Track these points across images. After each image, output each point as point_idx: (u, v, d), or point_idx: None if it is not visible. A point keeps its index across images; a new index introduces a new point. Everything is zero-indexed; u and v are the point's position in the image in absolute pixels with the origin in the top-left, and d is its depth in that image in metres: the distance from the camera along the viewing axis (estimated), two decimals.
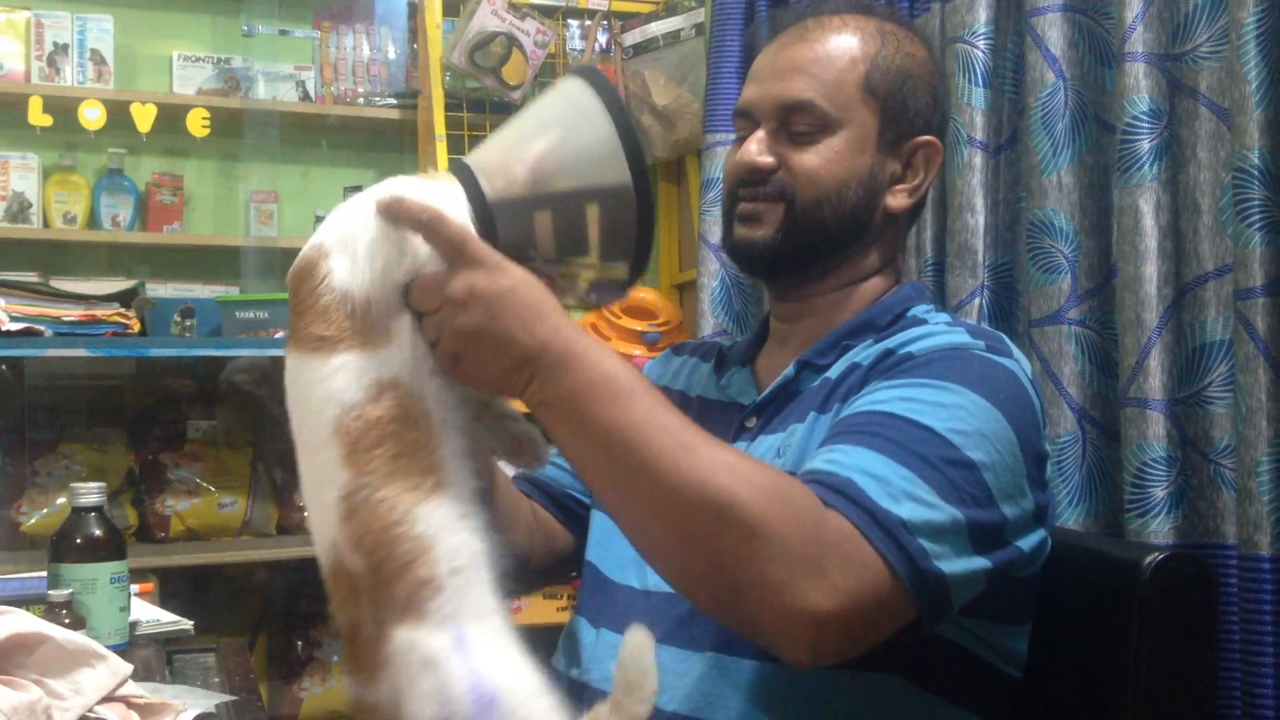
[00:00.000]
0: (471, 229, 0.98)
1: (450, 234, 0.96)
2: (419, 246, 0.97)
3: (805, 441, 1.12)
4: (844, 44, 1.21)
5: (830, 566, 0.91)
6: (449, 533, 0.92)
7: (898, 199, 1.23)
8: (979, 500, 0.99)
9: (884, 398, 1.04)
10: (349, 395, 0.93)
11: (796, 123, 1.19)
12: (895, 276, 1.28)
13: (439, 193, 1.00)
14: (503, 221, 1.01)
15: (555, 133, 1.03)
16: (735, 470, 0.93)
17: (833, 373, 1.17)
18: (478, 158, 1.05)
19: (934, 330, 1.14)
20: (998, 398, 1.05)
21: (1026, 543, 1.06)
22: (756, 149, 1.20)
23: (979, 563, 0.99)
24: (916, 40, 1.26)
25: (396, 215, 0.97)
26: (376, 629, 0.90)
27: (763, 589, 0.91)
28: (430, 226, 0.96)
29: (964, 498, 0.98)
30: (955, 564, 0.96)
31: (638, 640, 0.93)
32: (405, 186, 1.00)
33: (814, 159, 1.19)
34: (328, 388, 0.94)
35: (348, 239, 0.98)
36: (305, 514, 2.85)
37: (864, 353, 1.16)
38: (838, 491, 0.95)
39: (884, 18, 1.26)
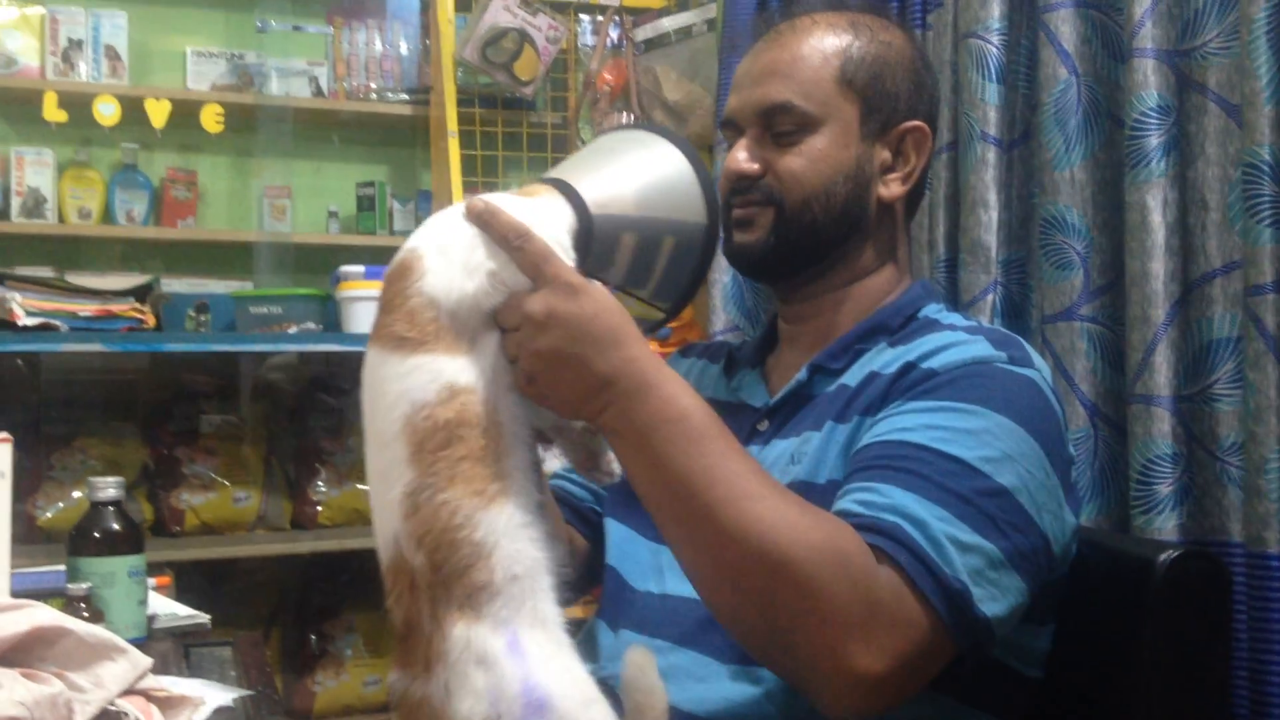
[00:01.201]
0: (556, 250, 0.99)
1: (535, 251, 0.98)
2: (511, 267, 0.99)
3: (822, 451, 1.13)
4: (815, 42, 1.22)
5: (879, 628, 0.93)
6: (509, 540, 0.93)
7: (890, 188, 1.24)
8: (1017, 526, 1.01)
9: (910, 425, 1.05)
10: (421, 395, 0.95)
11: (778, 125, 1.20)
12: (902, 271, 1.28)
13: (538, 206, 1.03)
14: (597, 236, 1.05)
15: (642, 168, 1.08)
16: (795, 527, 0.94)
17: (849, 379, 1.17)
18: (569, 178, 1.07)
19: (954, 340, 1.13)
20: (1023, 415, 1.05)
21: (1060, 549, 1.08)
22: (743, 156, 1.21)
23: (1020, 590, 1.01)
24: (892, 28, 1.26)
25: (487, 224, 0.99)
26: (433, 625, 0.91)
27: (811, 649, 0.93)
28: (517, 242, 0.98)
29: (1002, 528, 1.00)
30: (998, 604, 0.99)
31: (638, 661, 0.95)
32: (504, 200, 1.02)
33: (797, 160, 1.20)
34: (402, 385, 0.96)
35: (446, 248, 1.00)
36: (321, 509, 2.88)
37: (880, 358, 1.17)
38: (884, 536, 0.96)
39: (857, 10, 1.26)
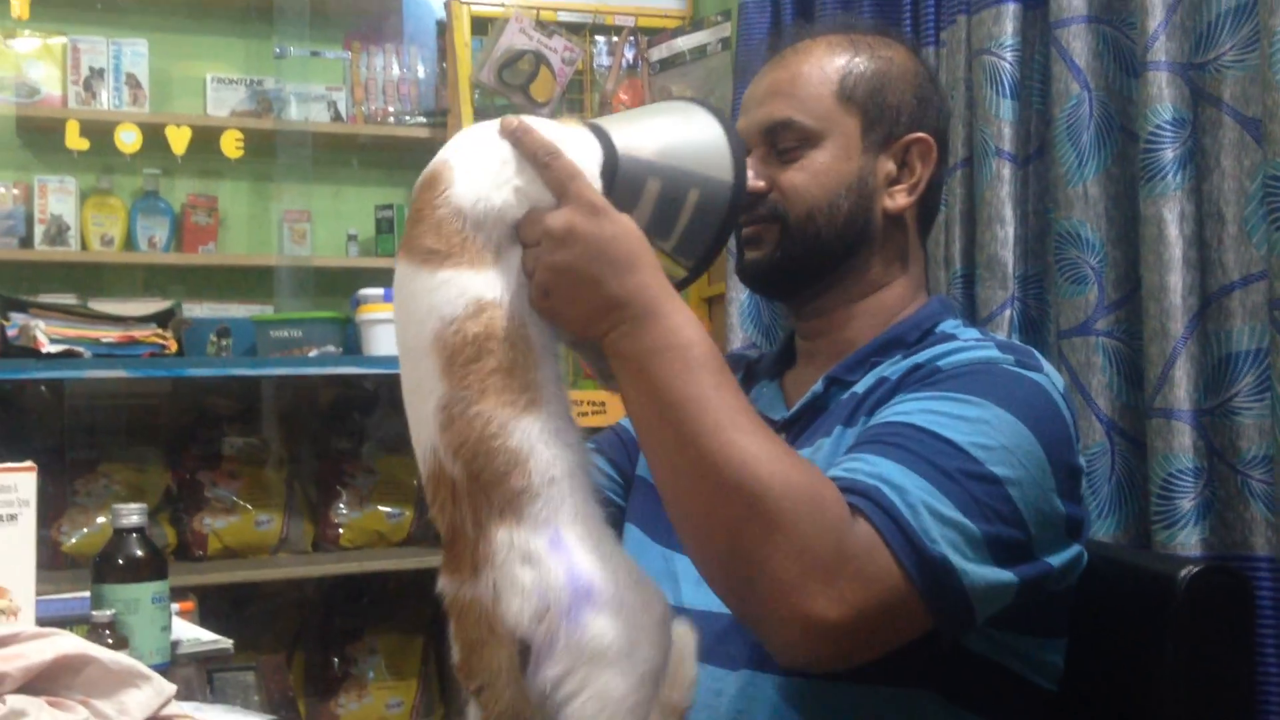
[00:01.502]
0: (585, 172, 1.01)
1: (563, 168, 1.00)
2: (537, 182, 1.00)
3: (831, 455, 1.13)
4: (816, 60, 1.24)
5: (844, 576, 0.93)
6: (543, 446, 0.96)
7: (896, 200, 1.24)
8: (1001, 516, 1.00)
9: (908, 409, 1.05)
10: (449, 310, 0.97)
11: (781, 142, 1.22)
12: (918, 285, 1.29)
13: (570, 134, 1.05)
14: (622, 176, 1.06)
15: (675, 124, 1.11)
16: (776, 463, 0.95)
17: (860, 387, 1.18)
18: (603, 123, 1.10)
19: (963, 345, 1.14)
20: (1024, 412, 1.05)
21: (1058, 559, 1.06)
22: (750, 175, 1.21)
23: (1003, 575, 0.99)
24: (892, 44, 1.27)
25: (519, 140, 1.01)
26: (476, 530, 0.94)
27: (772, 585, 0.93)
28: (545, 159, 1.00)
29: (985, 513, 0.99)
30: (978, 582, 0.97)
31: (681, 632, 0.97)
32: (539, 122, 1.04)
33: (800, 175, 1.21)
34: (431, 300, 0.98)
35: (474, 160, 1.02)
36: (343, 531, 2.89)
37: (892, 368, 1.17)
38: (862, 496, 0.96)
39: (858, 29, 1.28)
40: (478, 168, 1.01)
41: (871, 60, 1.24)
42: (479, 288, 0.98)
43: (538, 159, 1.00)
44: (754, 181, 1.21)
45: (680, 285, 1.14)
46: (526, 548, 0.92)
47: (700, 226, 1.11)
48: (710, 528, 0.97)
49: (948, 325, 1.23)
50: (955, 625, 0.99)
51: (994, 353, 1.12)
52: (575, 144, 1.05)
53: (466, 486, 0.94)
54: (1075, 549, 1.09)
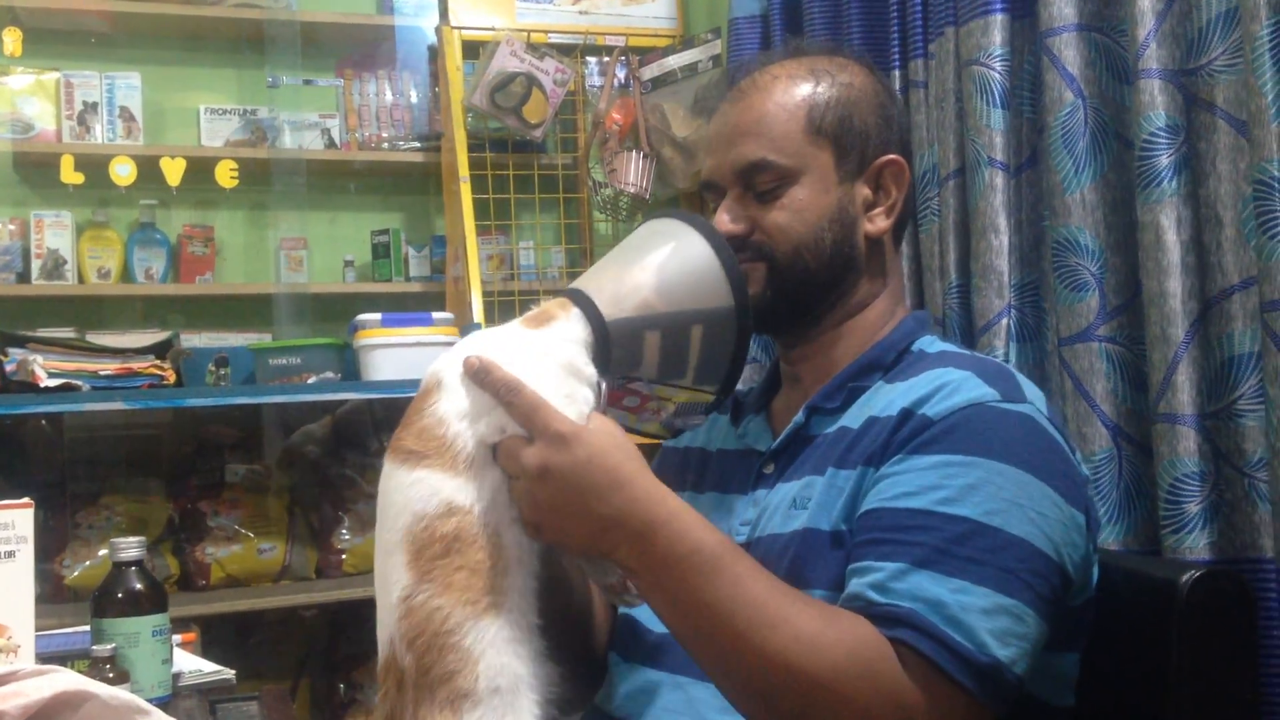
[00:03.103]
0: (546, 400, 1.02)
1: (525, 403, 1.01)
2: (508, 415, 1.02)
3: (826, 497, 1.13)
4: (780, 96, 1.23)
5: None
6: (495, 652, 0.96)
7: (875, 223, 1.25)
8: (1036, 571, 1.02)
9: (911, 487, 1.05)
10: (421, 506, 1.00)
11: (758, 183, 1.22)
12: (897, 298, 1.29)
13: (548, 336, 1.06)
14: (616, 341, 1.08)
15: (661, 261, 1.10)
16: (819, 647, 0.97)
17: (849, 420, 1.17)
18: (589, 284, 1.10)
19: (947, 381, 1.12)
20: (1022, 458, 1.06)
21: (1085, 576, 1.09)
22: (728, 218, 1.22)
23: (1044, 631, 1.02)
24: (851, 67, 1.27)
25: (481, 382, 1.03)
26: None
27: None
28: (508, 398, 1.01)
29: (1023, 578, 1.01)
30: (1026, 658, 1.00)
31: None
32: (508, 337, 1.06)
33: (782, 214, 1.21)
34: (405, 495, 1.01)
35: (460, 380, 1.04)
36: (345, 556, 2.88)
37: (877, 400, 1.17)
38: (904, 625, 0.98)
39: (815, 54, 1.27)
40: (462, 388, 1.04)
41: (833, 87, 1.23)
42: (451, 491, 1.00)
43: (500, 398, 1.02)
44: (733, 225, 1.22)
45: (709, 409, 1.18)
46: None
47: (713, 355, 1.12)
48: (774, 715, 1.00)
49: (923, 343, 1.24)
50: (1009, 705, 1.01)
51: (978, 390, 1.11)
52: (555, 340, 1.06)
53: (414, 678, 0.96)
54: (1092, 557, 1.11)
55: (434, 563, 0.98)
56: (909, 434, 1.09)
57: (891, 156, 1.25)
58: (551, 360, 1.04)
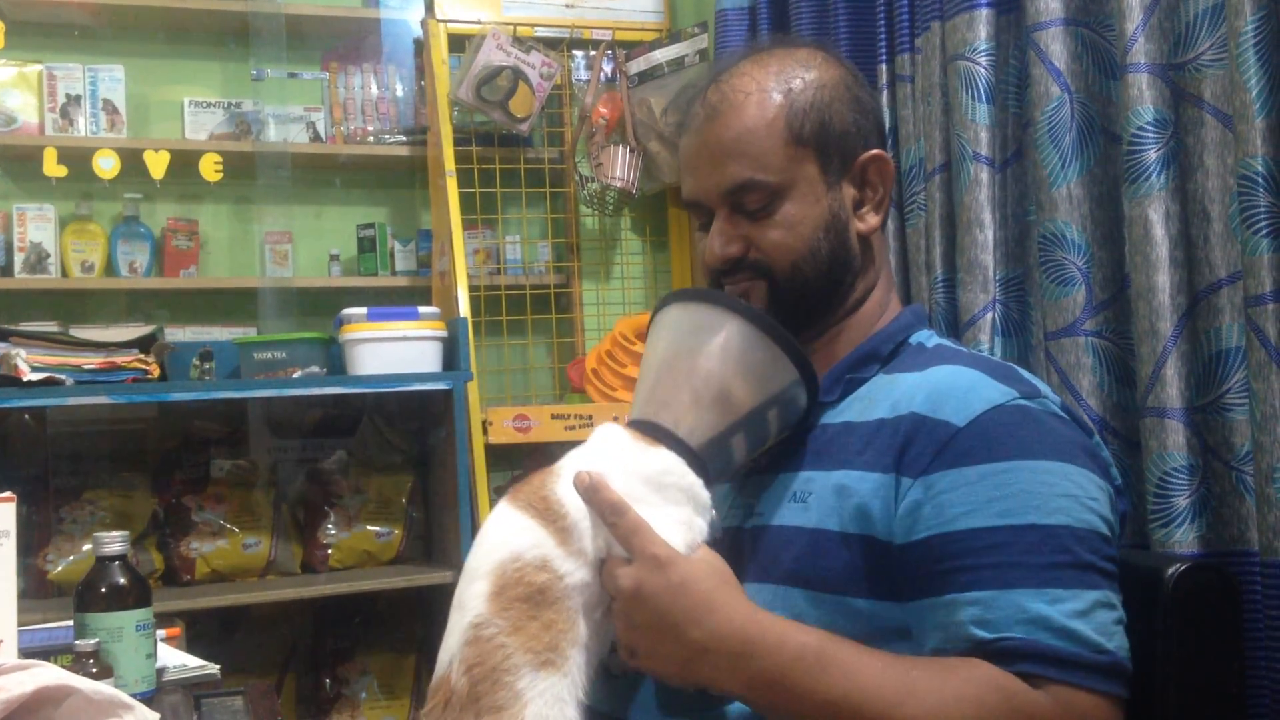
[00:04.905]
0: (647, 523, 1.04)
1: (627, 525, 1.04)
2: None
3: (833, 498, 1.12)
4: (755, 111, 1.21)
5: None
6: (543, 703, 1.00)
7: (866, 221, 1.25)
8: (1109, 556, 1.05)
9: (965, 507, 1.05)
10: (521, 549, 1.03)
11: (748, 203, 1.21)
12: (889, 285, 1.29)
13: (655, 461, 1.09)
14: (710, 462, 1.10)
15: (718, 366, 1.11)
16: (946, 703, 0.98)
17: (851, 414, 1.17)
18: (660, 414, 1.11)
19: (958, 383, 1.12)
20: (1059, 449, 1.07)
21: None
22: (721, 241, 1.22)
23: (1121, 601, 1.06)
24: (815, 65, 1.24)
25: (589, 499, 1.06)
26: None
27: None
28: (611, 519, 1.04)
29: (1101, 568, 1.03)
30: (1124, 640, 1.03)
31: None
32: (618, 459, 1.08)
33: (776, 231, 1.20)
34: (510, 533, 1.05)
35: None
36: (331, 552, 2.87)
37: (877, 393, 1.17)
38: (1022, 658, 0.99)
39: (778, 54, 1.25)
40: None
41: (806, 90, 1.21)
42: (554, 554, 1.04)
43: (605, 518, 1.05)
44: (727, 249, 1.21)
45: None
46: None
47: (788, 416, 1.15)
48: None
49: (920, 336, 1.24)
50: (1130, 686, 1.04)
51: (994, 390, 1.11)
52: (673, 463, 1.08)
53: (463, 701, 0.99)
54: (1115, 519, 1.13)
55: (514, 603, 1.01)
56: (938, 445, 1.08)
57: (874, 152, 1.24)
58: (673, 483, 1.08)
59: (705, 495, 1.09)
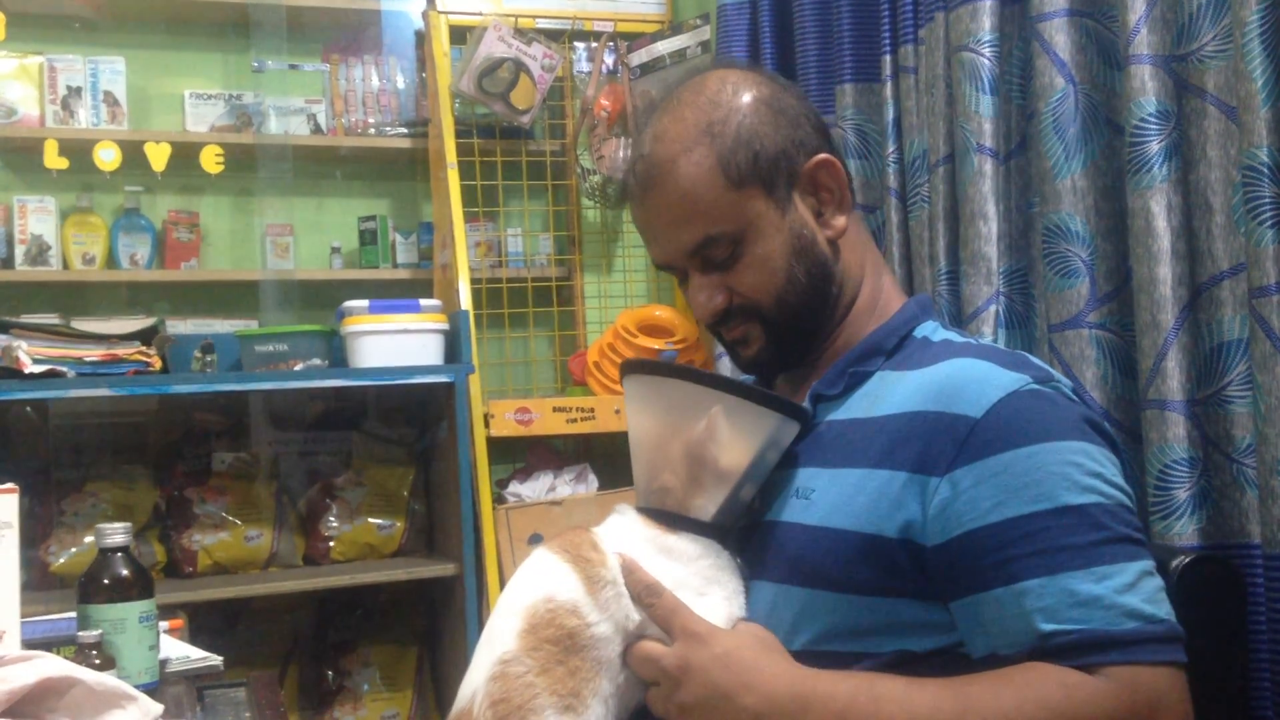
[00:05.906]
0: (683, 603, 1.06)
1: (664, 606, 1.05)
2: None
3: (844, 497, 1.11)
4: (685, 170, 1.19)
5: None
6: None
7: (832, 227, 1.24)
8: (1134, 525, 1.05)
9: (997, 497, 1.05)
10: (555, 592, 1.04)
11: (714, 256, 1.21)
12: (878, 268, 1.28)
13: (677, 548, 1.11)
14: (725, 521, 1.12)
15: (727, 432, 1.12)
16: (1014, 718, 0.98)
17: (857, 410, 1.17)
18: (666, 502, 1.13)
19: (970, 374, 1.12)
20: (1077, 428, 1.08)
21: None
22: (704, 297, 1.22)
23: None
24: (726, 96, 1.21)
25: (626, 578, 1.07)
26: None
27: None
28: (648, 600, 1.05)
29: (1136, 538, 1.04)
30: (1169, 603, 1.04)
31: None
32: (650, 543, 1.10)
33: (750, 273, 1.21)
34: (546, 575, 1.06)
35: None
36: (333, 544, 2.87)
37: (884, 389, 1.16)
38: (1086, 649, 0.99)
39: (689, 102, 1.22)
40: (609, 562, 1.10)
41: (726, 128, 1.19)
42: (585, 603, 1.05)
43: (641, 599, 1.06)
44: (712, 302, 1.22)
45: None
46: None
47: (786, 445, 1.17)
48: None
49: (925, 329, 1.24)
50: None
51: (1006, 378, 1.10)
52: (709, 543, 1.10)
53: None
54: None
55: (544, 644, 1.02)
56: (959, 440, 1.07)
57: (816, 159, 1.21)
58: (703, 569, 1.10)
59: (731, 564, 1.12)
